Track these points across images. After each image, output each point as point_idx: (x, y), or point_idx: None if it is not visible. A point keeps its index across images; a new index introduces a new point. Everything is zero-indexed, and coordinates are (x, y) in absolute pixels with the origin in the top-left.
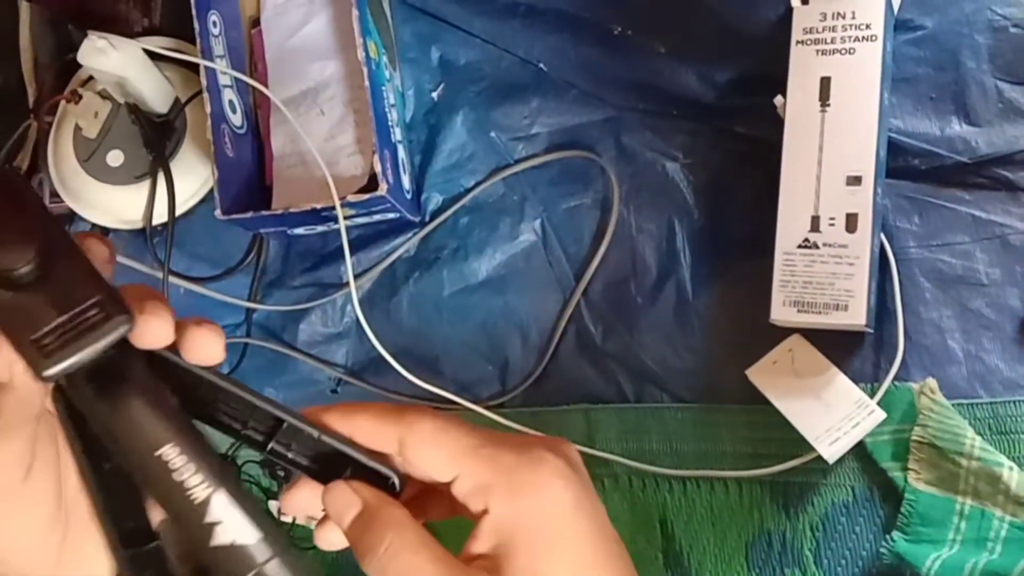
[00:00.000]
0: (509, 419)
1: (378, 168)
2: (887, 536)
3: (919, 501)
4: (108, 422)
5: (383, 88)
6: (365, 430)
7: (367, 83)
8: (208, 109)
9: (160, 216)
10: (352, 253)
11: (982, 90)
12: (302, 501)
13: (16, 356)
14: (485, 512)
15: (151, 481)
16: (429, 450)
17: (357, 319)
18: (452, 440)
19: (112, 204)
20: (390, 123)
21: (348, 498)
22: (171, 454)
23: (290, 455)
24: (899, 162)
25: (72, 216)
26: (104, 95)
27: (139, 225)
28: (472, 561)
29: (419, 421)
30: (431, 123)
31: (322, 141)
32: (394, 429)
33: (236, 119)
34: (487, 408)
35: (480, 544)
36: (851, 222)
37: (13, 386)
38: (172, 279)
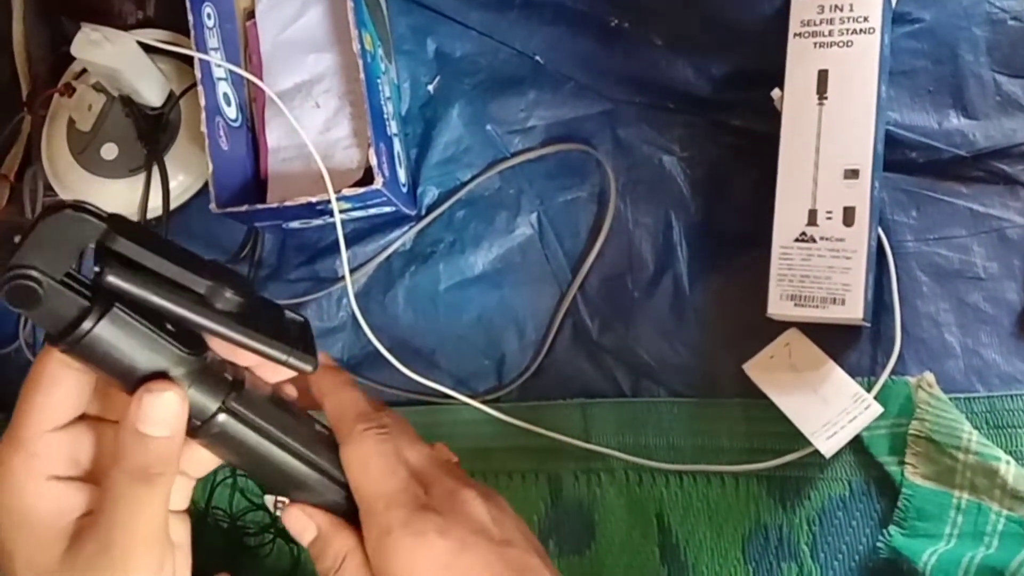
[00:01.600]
0: (505, 414)
1: (374, 161)
2: (884, 530)
3: (916, 495)
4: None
5: (379, 81)
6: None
7: (362, 76)
8: (202, 102)
9: (155, 210)
10: (348, 247)
11: (980, 83)
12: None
13: None
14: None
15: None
16: (355, 473)
17: (353, 313)
18: (371, 476)
19: (106, 197)
20: (386, 116)
21: (304, 523)
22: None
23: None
24: (896, 155)
25: None
26: (98, 88)
27: (134, 219)
28: None
29: (361, 440)
30: (427, 116)
31: (317, 134)
32: (337, 431)
33: (231, 112)
34: (483, 402)
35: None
36: (848, 216)
37: None
38: None
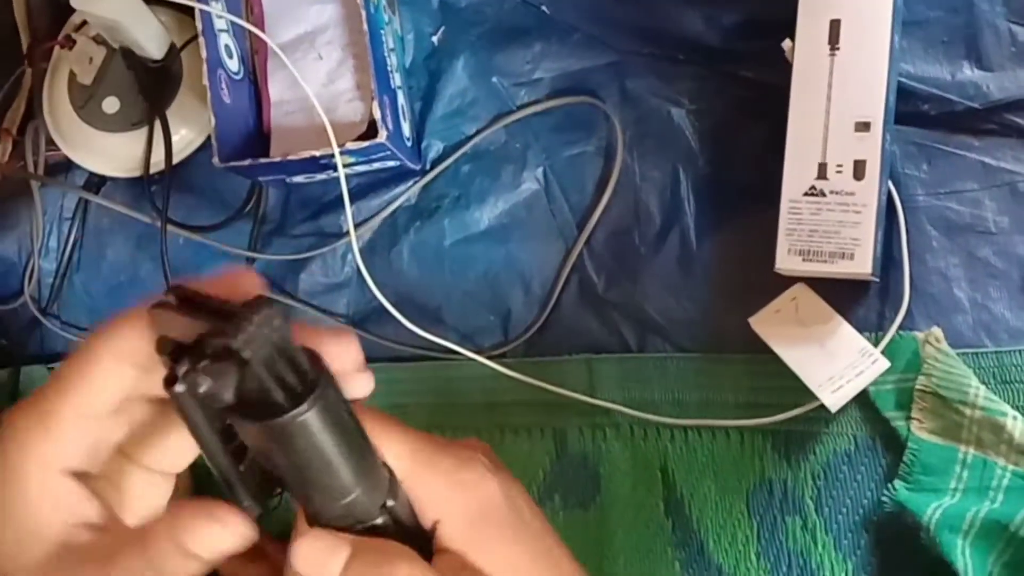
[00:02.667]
0: (511, 369)
1: (377, 114)
2: (889, 485)
3: (921, 450)
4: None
5: (382, 32)
6: None
7: (366, 27)
8: (204, 54)
9: (157, 164)
10: (352, 202)
11: (995, 33)
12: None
13: None
14: (438, 524)
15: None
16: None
17: (358, 269)
18: (392, 442)
19: (109, 151)
20: (389, 68)
21: (331, 543)
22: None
23: None
24: (908, 108)
25: (69, 164)
26: (98, 40)
27: (137, 173)
28: (458, 573)
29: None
30: (431, 68)
31: (320, 87)
32: None
33: (233, 64)
34: (489, 358)
35: (451, 556)
36: (859, 169)
37: None
38: (171, 228)
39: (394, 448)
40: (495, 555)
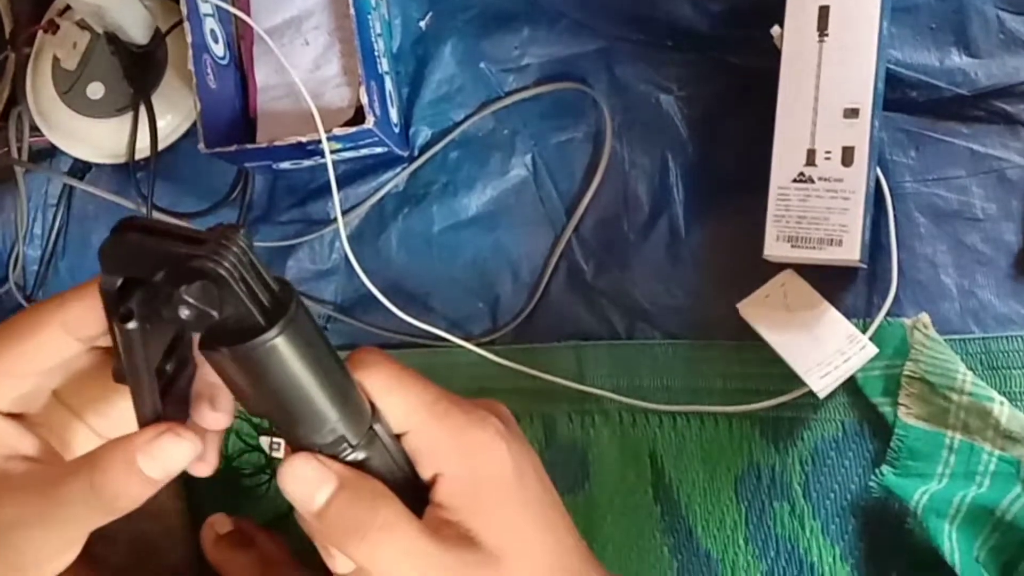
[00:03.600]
0: (500, 356)
1: (364, 100)
2: (876, 470)
3: (909, 436)
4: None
5: (369, 16)
6: None
7: (352, 11)
8: (189, 39)
9: (143, 151)
10: (339, 188)
11: (983, 20)
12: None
13: None
14: (438, 476)
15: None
16: (386, 399)
17: (346, 256)
18: (409, 392)
19: (93, 138)
20: (377, 53)
21: (319, 472)
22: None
23: None
24: (897, 94)
25: (53, 150)
26: (82, 25)
27: (122, 159)
28: (440, 529)
29: (376, 366)
30: (419, 54)
31: (307, 72)
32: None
33: (218, 49)
34: (478, 345)
35: (442, 510)
36: (847, 156)
37: None
38: (156, 215)
39: (411, 397)
40: (491, 518)
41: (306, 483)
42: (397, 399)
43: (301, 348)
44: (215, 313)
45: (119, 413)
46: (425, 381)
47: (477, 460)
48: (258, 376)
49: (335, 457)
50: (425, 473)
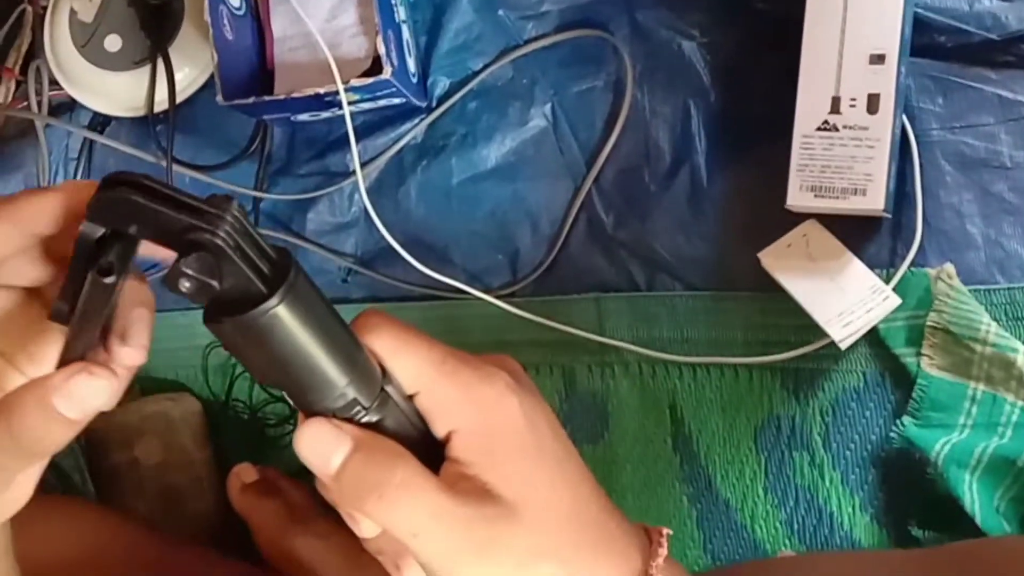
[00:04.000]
0: (519, 308)
1: (382, 50)
2: (897, 421)
3: (931, 386)
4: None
5: None
6: None
7: None
8: None
9: (161, 103)
10: (358, 140)
11: None
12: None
13: None
14: (452, 433)
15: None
16: (394, 361)
17: (365, 208)
18: (416, 353)
19: (112, 90)
20: (393, 2)
21: (334, 435)
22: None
23: None
24: (924, 40)
25: (73, 104)
26: None
27: (141, 112)
28: (457, 483)
29: (381, 327)
30: (436, 1)
31: (323, 22)
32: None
33: (234, 0)
34: (497, 297)
35: (458, 465)
36: (873, 103)
37: None
38: (176, 168)
39: (418, 357)
40: (506, 470)
41: (321, 446)
42: (405, 360)
43: (304, 314)
44: (215, 283)
45: (53, 357)
46: (431, 340)
47: (489, 414)
48: (264, 345)
49: (349, 420)
50: (439, 431)
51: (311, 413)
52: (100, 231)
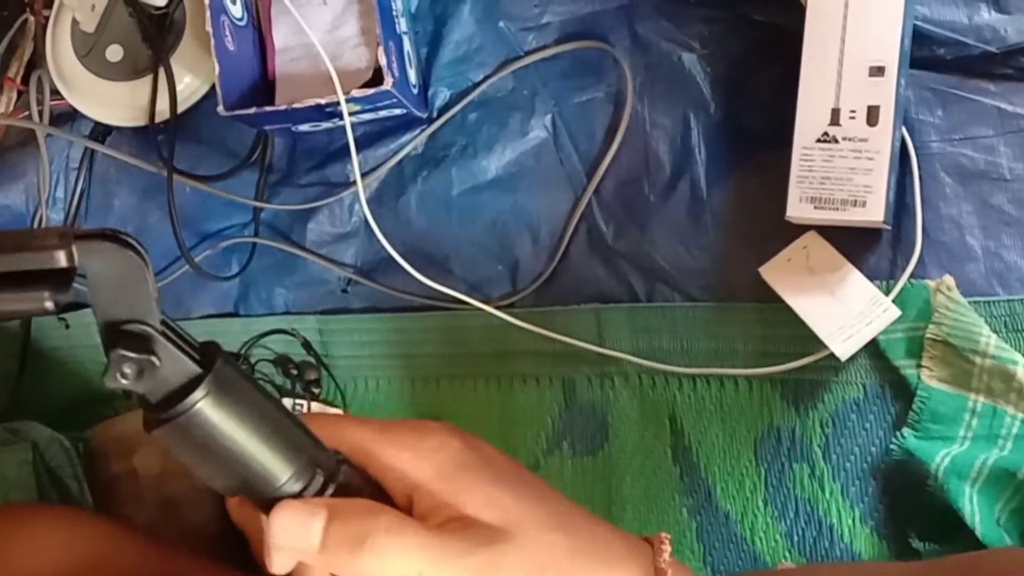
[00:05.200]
0: (519, 319)
1: (383, 61)
2: (897, 433)
3: (931, 398)
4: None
5: None
6: None
7: None
8: (206, 0)
9: (163, 113)
10: (358, 151)
11: None
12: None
13: None
14: (413, 493)
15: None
16: (334, 445)
17: (365, 219)
18: (353, 433)
19: (113, 100)
20: (395, 13)
21: (305, 510)
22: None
23: None
24: (924, 52)
25: (74, 114)
26: None
27: (142, 122)
28: (440, 525)
29: (312, 423)
30: (437, 13)
31: (325, 33)
32: None
33: (236, 10)
34: (497, 308)
35: (430, 519)
36: (872, 115)
37: None
38: (177, 177)
39: (355, 436)
40: (479, 500)
41: (296, 525)
42: (343, 441)
43: (236, 401)
44: (155, 359)
45: None
46: (361, 420)
47: (438, 459)
48: (207, 436)
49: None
50: (399, 498)
51: (263, 505)
52: None
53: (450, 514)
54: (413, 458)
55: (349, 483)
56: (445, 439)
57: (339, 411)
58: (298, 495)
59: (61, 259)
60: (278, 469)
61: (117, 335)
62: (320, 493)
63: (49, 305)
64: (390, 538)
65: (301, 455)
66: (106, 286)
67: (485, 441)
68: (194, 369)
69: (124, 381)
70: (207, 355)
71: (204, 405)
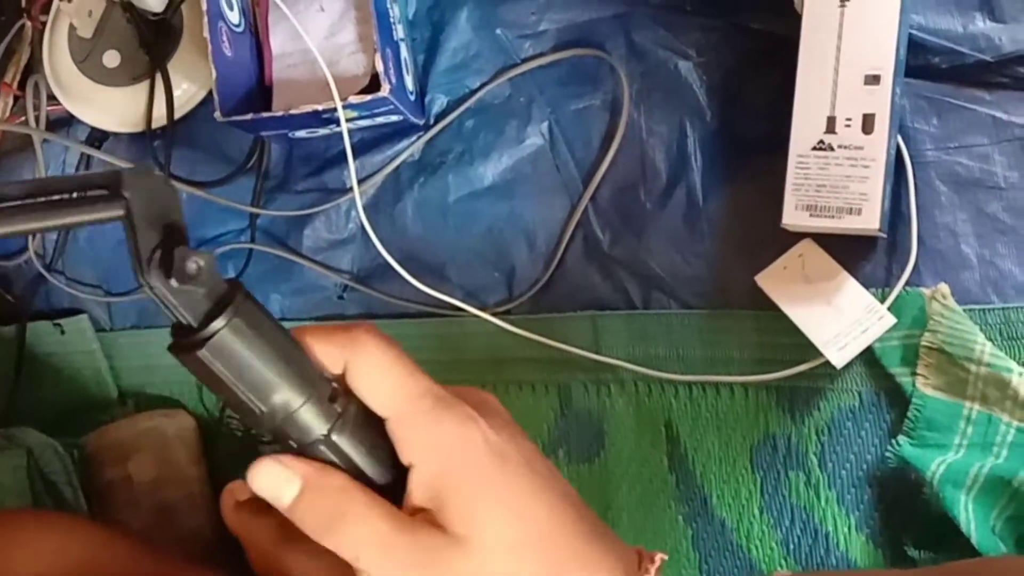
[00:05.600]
0: (516, 326)
1: (380, 67)
2: (892, 440)
3: (926, 406)
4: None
5: None
6: (313, 350)
7: None
8: (204, 6)
9: (160, 119)
10: (355, 157)
11: None
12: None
13: None
14: (412, 466)
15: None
16: (373, 383)
17: (362, 225)
18: (396, 382)
19: (110, 106)
20: (392, 20)
21: (283, 475)
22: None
23: None
24: (919, 60)
25: (71, 119)
26: None
27: (139, 128)
28: (415, 514)
29: (368, 347)
30: (434, 20)
31: (322, 39)
32: (340, 350)
33: (233, 17)
34: (493, 315)
35: (416, 498)
36: (868, 123)
37: None
38: (174, 183)
39: (397, 386)
40: (459, 506)
41: (272, 483)
42: (384, 385)
43: (253, 334)
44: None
45: None
46: (415, 371)
47: (449, 453)
48: (219, 363)
49: (303, 451)
50: (403, 458)
51: (270, 438)
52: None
53: (429, 508)
54: (429, 437)
55: (341, 444)
56: (467, 432)
57: None
58: (294, 439)
59: (116, 186)
60: (295, 393)
61: (171, 240)
62: (309, 446)
63: (122, 212)
64: (348, 525)
65: (318, 385)
66: (149, 210)
67: (516, 431)
68: (223, 287)
69: (182, 281)
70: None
71: (237, 322)
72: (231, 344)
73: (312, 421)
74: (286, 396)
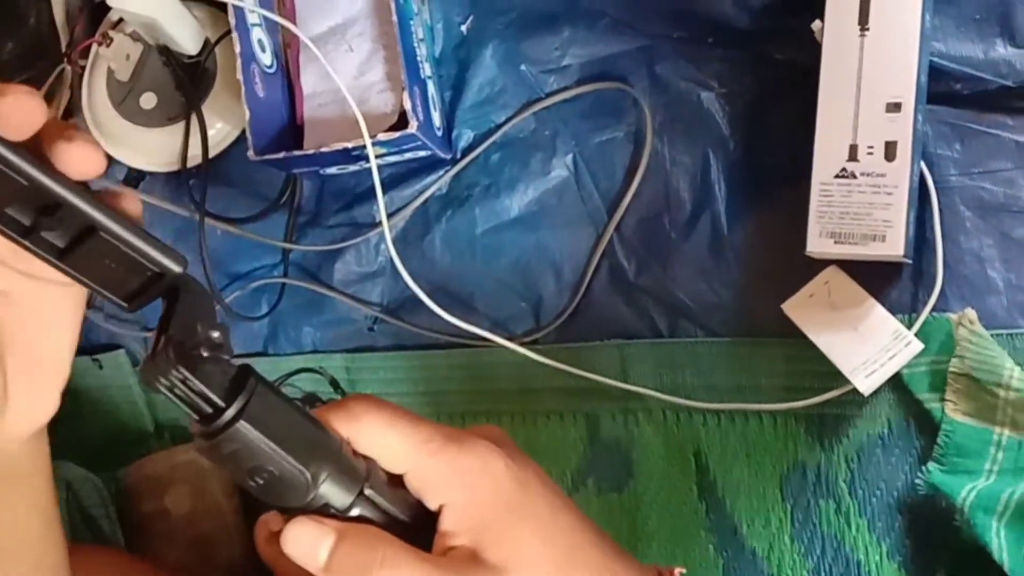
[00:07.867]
0: (543, 355)
1: (408, 105)
2: (922, 467)
3: (956, 432)
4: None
5: (411, 22)
6: None
7: (395, 18)
8: (237, 49)
9: (195, 158)
10: (384, 192)
11: None
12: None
13: None
14: (442, 507)
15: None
16: (381, 444)
17: (391, 258)
18: (401, 434)
19: (147, 146)
20: (419, 58)
21: (318, 531)
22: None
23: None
24: (940, 87)
25: (108, 160)
26: (135, 37)
27: (175, 167)
28: (447, 552)
29: (367, 414)
30: (460, 57)
31: (351, 79)
32: (341, 427)
33: (266, 58)
34: (521, 345)
35: (449, 538)
36: (890, 150)
37: None
38: (209, 220)
39: (404, 439)
40: (493, 535)
41: (307, 543)
42: (391, 443)
43: (266, 422)
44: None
45: None
46: (415, 419)
47: (475, 484)
48: (236, 453)
49: (334, 516)
50: (431, 505)
51: (295, 514)
52: None
53: (462, 543)
54: (451, 476)
55: (375, 498)
56: (486, 461)
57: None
58: (323, 508)
59: (174, 265)
60: (307, 478)
61: (195, 343)
62: (347, 509)
63: (181, 270)
64: (384, 571)
65: (331, 465)
66: (190, 304)
67: (529, 460)
68: (234, 368)
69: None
70: (244, 373)
71: (262, 389)
72: (267, 409)
73: (346, 481)
74: (323, 456)
